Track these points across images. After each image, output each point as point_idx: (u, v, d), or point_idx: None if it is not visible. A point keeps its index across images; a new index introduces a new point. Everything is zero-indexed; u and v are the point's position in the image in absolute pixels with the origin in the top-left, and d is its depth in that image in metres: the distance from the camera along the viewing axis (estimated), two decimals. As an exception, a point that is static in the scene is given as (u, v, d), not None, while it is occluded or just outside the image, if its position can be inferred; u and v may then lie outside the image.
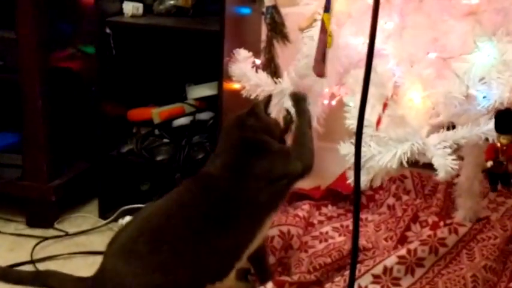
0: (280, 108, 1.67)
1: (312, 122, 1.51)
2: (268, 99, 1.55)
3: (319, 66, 1.37)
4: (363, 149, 1.30)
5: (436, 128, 1.36)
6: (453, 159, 1.24)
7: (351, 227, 1.87)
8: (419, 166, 1.40)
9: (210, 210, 1.38)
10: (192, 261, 1.34)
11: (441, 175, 1.23)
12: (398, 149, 1.27)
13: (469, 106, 1.32)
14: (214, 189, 1.41)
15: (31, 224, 2.01)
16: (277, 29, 1.84)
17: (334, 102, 1.71)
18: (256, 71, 1.68)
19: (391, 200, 2.01)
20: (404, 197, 2.00)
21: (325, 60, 1.36)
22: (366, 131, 1.30)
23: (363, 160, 1.28)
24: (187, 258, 1.33)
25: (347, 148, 1.32)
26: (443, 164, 1.23)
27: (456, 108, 1.33)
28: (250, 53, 1.71)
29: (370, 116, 1.33)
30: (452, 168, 1.23)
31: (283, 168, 1.45)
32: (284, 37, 1.86)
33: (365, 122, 1.32)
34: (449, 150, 1.25)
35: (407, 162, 1.28)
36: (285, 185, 1.46)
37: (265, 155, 1.45)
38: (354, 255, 1.17)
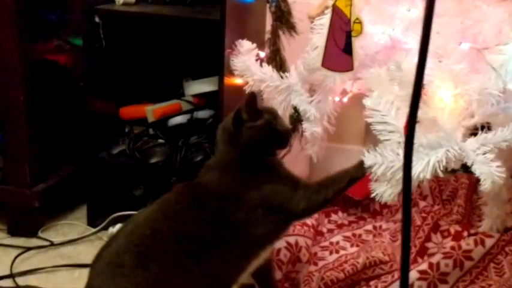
0: (287, 105, 1.60)
1: (354, 182, 1.34)
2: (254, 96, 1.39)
3: (343, 59, 1.31)
4: (390, 158, 1.19)
5: (468, 131, 1.27)
6: (498, 166, 1.13)
7: (363, 236, 1.83)
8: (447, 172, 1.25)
9: (199, 227, 1.29)
10: (182, 280, 1.25)
11: (486, 185, 1.12)
12: (432, 157, 1.17)
13: (508, 104, 1.24)
14: (205, 206, 1.31)
15: (13, 232, 1.95)
16: (284, 19, 1.82)
17: (345, 99, 1.66)
18: (261, 65, 1.62)
19: (406, 206, 1.87)
20: (421, 203, 1.91)
21: (351, 51, 1.30)
22: (392, 137, 1.21)
23: (390, 171, 1.18)
24: (176, 277, 1.25)
25: (372, 158, 1.20)
26: (488, 172, 1.12)
27: (493, 107, 1.24)
28: (254, 45, 1.66)
29: (395, 120, 1.22)
30: (498, 176, 1.12)
31: (283, 200, 1.32)
32: (291, 27, 1.82)
33: (390, 127, 1.23)
34: (491, 156, 1.15)
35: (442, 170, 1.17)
36: (281, 221, 1.33)
37: (268, 180, 1.33)
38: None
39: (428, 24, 0.85)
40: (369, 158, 1.19)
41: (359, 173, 1.30)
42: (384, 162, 1.16)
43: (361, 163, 1.30)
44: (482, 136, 1.18)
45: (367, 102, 1.25)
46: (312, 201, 1.31)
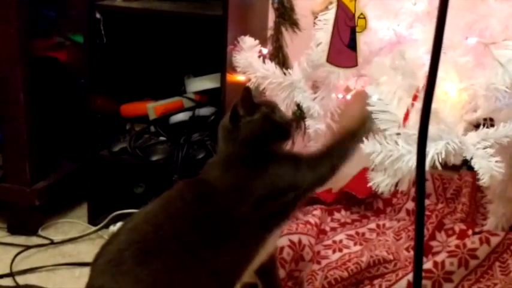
0: (290, 102, 1.57)
1: (362, 139, 1.26)
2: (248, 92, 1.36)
3: (347, 55, 1.29)
4: (389, 147, 1.17)
5: (470, 125, 1.25)
6: (497, 161, 1.11)
7: (367, 235, 1.81)
8: (446, 168, 1.23)
9: (202, 224, 1.27)
10: (184, 278, 1.24)
11: (484, 180, 1.10)
12: (431, 149, 1.14)
13: None
14: (208, 202, 1.30)
15: (12, 231, 1.94)
16: (286, 15, 1.79)
17: (349, 97, 1.61)
18: (263, 61, 1.58)
19: (410, 205, 1.89)
20: (425, 202, 1.83)
21: (356, 46, 1.28)
22: (392, 127, 1.19)
23: (389, 160, 1.16)
24: (179, 275, 1.24)
25: (371, 146, 1.18)
26: (487, 166, 1.10)
27: (497, 102, 1.21)
28: (257, 41, 1.63)
29: (396, 109, 1.21)
30: (497, 171, 1.10)
31: (289, 179, 1.30)
32: (293, 24, 1.80)
33: (391, 117, 1.21)
34: (491, 151, 1.13)
35: (441, 164, 1.15)
36: (291, 200, 1.31)
37: (270, 167, 1.30)
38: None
39: (442, 20, 0.83)
40: (368, 146, 1.17)
41: (364, 131, 1.27)
42: (382, 151, 1.14)
43: (365, 118, 1.27)
44: (483, 131, 1.15)
45: (370, 91, 1.24)
46: (318, 173, 1.29)
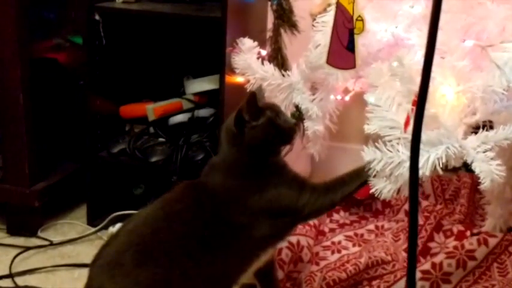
0: (288, 103, 1.57)
1: (364, 185, 1.29)
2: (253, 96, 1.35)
3: (346, 56, 1.29)
4: (389, 154, 1.17)
5: (469, 128, 1.24)
6: (498, 164, 1.10)
7: (366, 236, 1.81)
8: (445, 169, 1.23)
9: (200, 229, 1.27)
10: (181, 280, 1.24)
11: (486, 183, 1.09)
12: (432, 154, 1.14)
13: (511, 101, 1.21)
14: (207, 207, 1.29)
15: (12, 232, 1.93)
16: (285, 17, 1.77)
17: (347, 98, 1.63)
18: (262, 63, 1.58)
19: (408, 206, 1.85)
20: (424, 203, 1.89)
21: (354, 48, 1.29)
22: (393, 132, 1.18)
23: (389, 167, 1.15)
24: (176, 277, 1.24)
25: (371, 154, 1.17)
26: (488, 170, 1.10)
27: (495, 105, 1.20)
28: (256, 43, 1.62)
29: (396, 115, 1.20)
30: (498, 175, 1.09)
31: (289, 202, 1.30)
32: (292, 26, 1.78)
33: (391, 123, 1.21)
34: (492, 154, 1.12)
35: (442, 168, 1.14)
36: (287, 223, 1.32)
37: (273, 184, 1.30)
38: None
39: (435, 22, 0.83)
40: (368, 154, 1.16)
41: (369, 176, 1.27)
42: (382, 158, 1.14)
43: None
44: (483, 134, 1.15)
45: (368, 97, 1.23)
46: (318, 205, 1.30)
